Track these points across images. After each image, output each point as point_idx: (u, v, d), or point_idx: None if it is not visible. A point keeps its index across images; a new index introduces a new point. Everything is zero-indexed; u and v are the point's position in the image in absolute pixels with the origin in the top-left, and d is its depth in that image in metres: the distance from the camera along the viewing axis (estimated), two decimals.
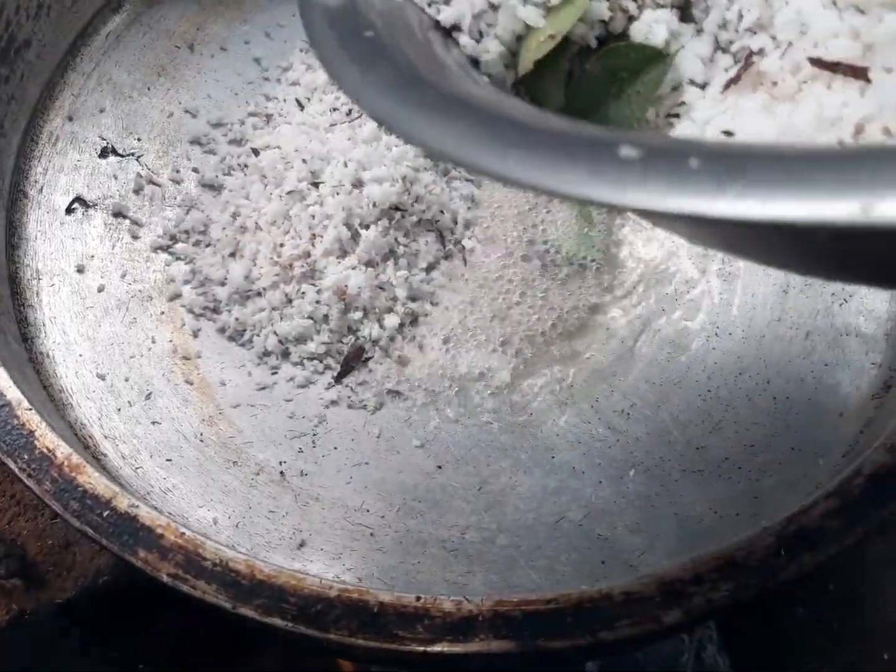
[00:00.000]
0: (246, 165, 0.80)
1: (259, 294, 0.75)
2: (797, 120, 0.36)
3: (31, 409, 0.58)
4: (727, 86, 0.38)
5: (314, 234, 0.75)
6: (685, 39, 0.42)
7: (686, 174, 0.28)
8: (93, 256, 0.76)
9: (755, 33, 0.39)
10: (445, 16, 0.44)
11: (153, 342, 0.73)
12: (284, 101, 0.84)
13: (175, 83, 0.84)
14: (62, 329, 0.72)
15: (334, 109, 0.82)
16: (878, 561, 0.72)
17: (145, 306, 0.75)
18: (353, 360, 0.73)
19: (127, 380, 0.71)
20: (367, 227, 0.76)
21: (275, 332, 0.73)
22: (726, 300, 0.75)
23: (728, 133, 0.37)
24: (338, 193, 0.76)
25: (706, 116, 0.38)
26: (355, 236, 0.75)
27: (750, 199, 0.27)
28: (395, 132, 0.36)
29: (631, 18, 0.44)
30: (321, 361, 0.73)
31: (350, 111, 0.82)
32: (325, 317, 0.73)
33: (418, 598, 0.50)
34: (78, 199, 0.78)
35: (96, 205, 0.78)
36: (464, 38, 0.44)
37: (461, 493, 0.68)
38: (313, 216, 0.75)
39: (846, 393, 0.69)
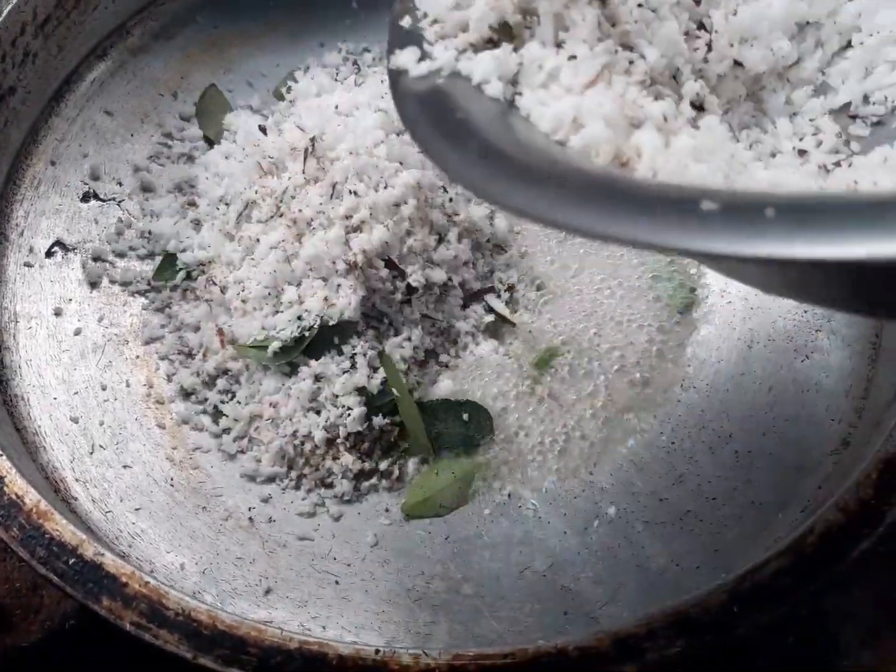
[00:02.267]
0: None
1: None
2: None
3: (1, 455, 0.59)
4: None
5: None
6: None
7: (762, 223, 0.32)
8: (70, 300, 0.77)
9: None
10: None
11: (127, 386, 0.74)
12: None
13: (158, 130, 0.86)
14: (38, 372, 0.73)
15: None
16: (837, 613, 0.73)
17: (121, 350, 0.76)
18: None
19: (101, 423, 0.72)
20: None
21: None
22: (692, 354, 0.76)
23: None
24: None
25: None
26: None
27: (822, 243, 0.31)
28: (483, 197, 0.40)
29: None
30: None
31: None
32: None
33: (377, 652, 0.51)
34: (58, 242, 0.79)
35: (76, 248, 0.79)
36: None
37: (428, 541, 0.69)
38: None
39: (806, 448, 0.70)
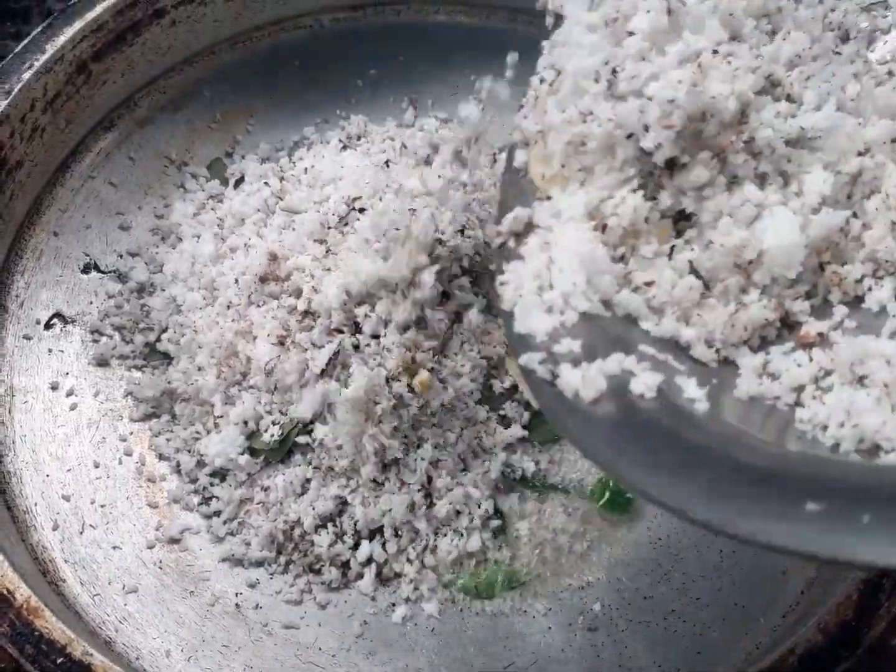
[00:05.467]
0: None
1: None
2: None
3: None
4: None
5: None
6: None
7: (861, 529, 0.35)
8: (67, 373, 0.78)
9: None
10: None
11: (120, 463, 0.75)
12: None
13: (161, 202, 0.87)
14: (32, 448, 0.73)
15: None
16: None
17: (115, 426, 0.76)
18: None
19: (92, 502, 0.72)
20: None
21: None
22: None
23: None
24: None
25: None
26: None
27: None
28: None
29: None
30: None
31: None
32: None
33: None
34: (57, 314, 0.80)
35: (75, 321, 0.80)
36: None
37: (413, 634, 0.69)
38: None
39: None
